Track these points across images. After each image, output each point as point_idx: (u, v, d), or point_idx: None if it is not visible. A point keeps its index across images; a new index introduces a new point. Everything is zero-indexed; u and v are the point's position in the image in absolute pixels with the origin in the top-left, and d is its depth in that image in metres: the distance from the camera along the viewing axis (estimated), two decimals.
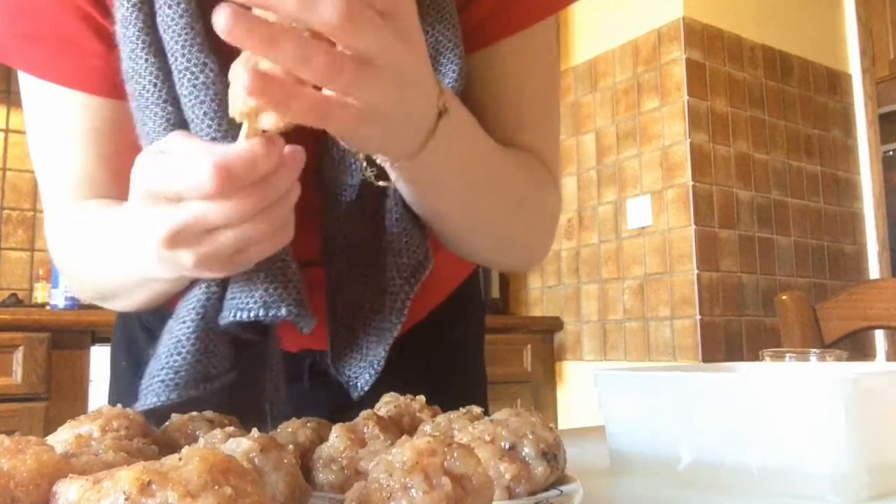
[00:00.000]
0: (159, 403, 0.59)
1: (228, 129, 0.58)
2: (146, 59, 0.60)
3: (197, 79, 0.58)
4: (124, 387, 0.82)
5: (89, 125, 0.67)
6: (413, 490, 0.32)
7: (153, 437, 0.49)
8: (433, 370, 0.79)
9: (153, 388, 0.59)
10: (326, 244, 0.67)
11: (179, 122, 0.60)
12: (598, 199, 2.83)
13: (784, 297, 1.33)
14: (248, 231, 0.49)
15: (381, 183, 0.62)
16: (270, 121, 0.46)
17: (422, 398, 0.58)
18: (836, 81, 3.03)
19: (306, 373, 0.77)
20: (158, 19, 0.59)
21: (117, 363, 0.84)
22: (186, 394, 0.59)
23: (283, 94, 0.42)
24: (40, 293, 2.59)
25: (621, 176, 2.75)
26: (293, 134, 0.47)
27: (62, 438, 0.44)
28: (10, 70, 0.70)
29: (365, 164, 0.62)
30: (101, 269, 0.65)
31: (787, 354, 0.76)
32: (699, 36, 2.62)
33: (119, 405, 0.49)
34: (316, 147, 0.64)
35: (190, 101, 0.59)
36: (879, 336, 2.84)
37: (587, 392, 2.75)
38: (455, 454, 0.34)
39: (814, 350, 0.81)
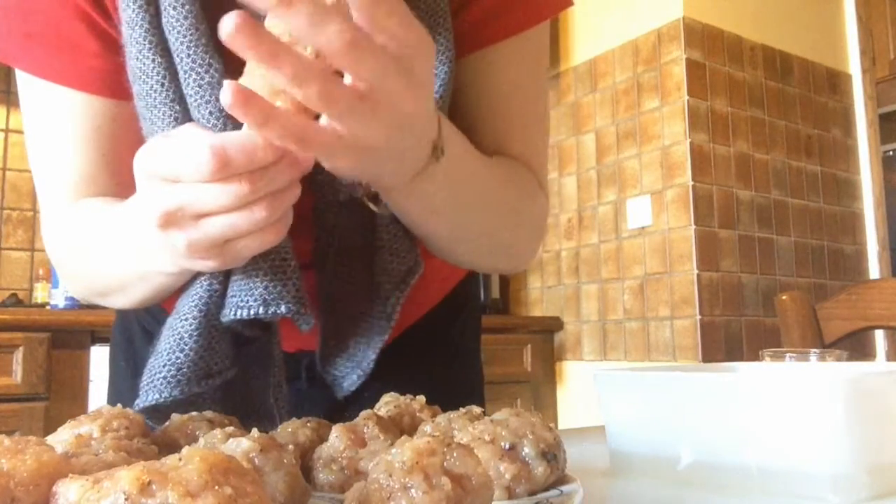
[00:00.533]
0: (161, 400, 0.59)
1: (235, 129, 0.58)
2: (153, 60, 0.60)
3: (202, 79, 0.59)
4: (124, 387, 0.82)
5: (89, 125, 0.68)
6: (413, 490, 0.32)
7: (153, 437, 0.49)
8: (430, 371, 0.79)
9: (155, 385, 0.60)
10: (319, 247, 0.67)
11: (187, 121, 0.60)
12: (598, 199, 2.83)
13: (784, 297, 1.33)
14: (240, 220, 0.50)
15: (374, 208, 0.62)
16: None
17: (422, 398, 0.58)
18: (836, 81, 3.03)
19: (304, 372, 0.77)
20: (164, 20, 0.60)
21: (116, 363, 0.84)
22: (189, 390, 0.60)
23: (262, 113, 0.43)
24: (40, 293, 2.59)
25: (621, 176, 2.75)
26: None
27: (62, 438, 0.44)
28: (10, 70, 0.70)
29: (359, 188, 0.62)
30: (101, 264, 0.66)
31: (787, 354, 0.76)
32: (699, 36, 2.62)
33: (119, 405, 0.49)
34: None
35: (196, 100, 0.59)
36: (879, 336, 2.84)
37: (587, 392, 2.76)
38: (455, 454, 0.34)
39: (814, 350, 0.81)
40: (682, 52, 2.58)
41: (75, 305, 2.32)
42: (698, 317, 2.46)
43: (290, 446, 0.48)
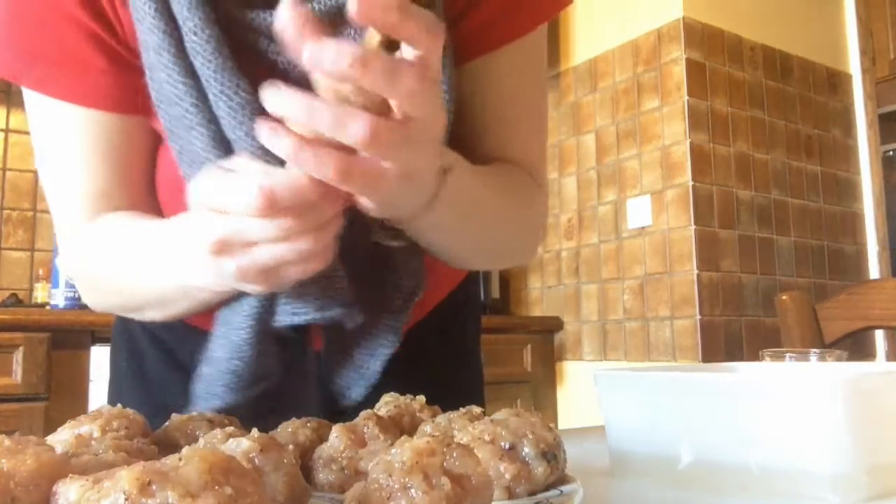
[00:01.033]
0: (223, 406, 0.64)
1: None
2: (184, 83, 0.61)
3: (232, 100, 0.60)
4: (124, 387, 0.82)
5: (100, 141, 0.68)
6: (413, 490, 0.32)
7: (153, 437, 0.49)
8: (430, 370, 0.80)
9: (216, 393, 0.64)
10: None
11: (223, 139, 0.62)
12: (598, 199, 2.83)
13: (784, 297, 1.33)
14: (286, 251, 0.52)
15: (395, 244, 0.65)
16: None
17: (422, 398, 0.58)
18: (836, 81, 3.03)
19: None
20: (187, 45, 0.60)
21: (117, 363, 0.84)
22: (246, 395, 0.64)
23: (293, 145, 0.47)
24: (40, 293, 2.58)
25: (621, 176, 2.75)
26: None
27: (62, 438, 0.44)
28: None
29: (379, 230, 0.65)
30: (138, 280, 0.66)
31: (787, 354, 0.76)
32: (699, 36, 2.62)
33: (119, 405, 0.49)
34: None
35: (229, 122, 0.61)
36: (879, 336, 2.84)
37: (587, 392, 2.75)
38: (454, 454, 0.34)
39: (814, 350, 0.81)
40: (682, 52, 2.58)
41: (75, 305, 2.31)
42: (698, 317, 2.46)
43: (290, 446, 0.48)
